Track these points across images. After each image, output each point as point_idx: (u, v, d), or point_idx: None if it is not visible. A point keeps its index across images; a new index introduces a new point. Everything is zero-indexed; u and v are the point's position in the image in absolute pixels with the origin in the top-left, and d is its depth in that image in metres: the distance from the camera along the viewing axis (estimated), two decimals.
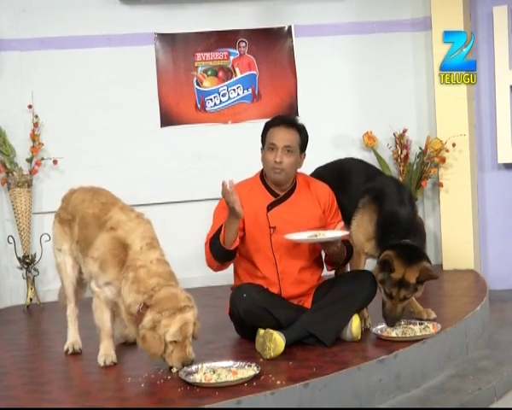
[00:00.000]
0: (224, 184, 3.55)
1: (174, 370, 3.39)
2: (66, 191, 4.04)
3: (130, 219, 3.62)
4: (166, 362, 3.40)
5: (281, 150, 3.82)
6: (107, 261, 3.53)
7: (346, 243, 3.95)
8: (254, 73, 5.94)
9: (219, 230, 3.71)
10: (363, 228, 4.00)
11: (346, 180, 4.18)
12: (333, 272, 4.25)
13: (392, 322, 3.80)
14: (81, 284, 3.97)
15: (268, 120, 4.01)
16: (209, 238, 3.80)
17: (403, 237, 3.83)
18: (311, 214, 3.90)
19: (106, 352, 3.61)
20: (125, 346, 3.98)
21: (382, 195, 3.96)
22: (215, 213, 3.90)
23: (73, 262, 3.89)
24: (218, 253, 3.73)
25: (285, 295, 3.87)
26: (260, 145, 3.95)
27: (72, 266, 3.90)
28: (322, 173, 4.24)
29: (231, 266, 4.00)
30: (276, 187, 3.92)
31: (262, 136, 3.94)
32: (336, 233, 3.76)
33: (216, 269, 3.86)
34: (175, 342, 3.34)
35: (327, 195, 3.99)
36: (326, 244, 3.79)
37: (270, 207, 3.89)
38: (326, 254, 3.98)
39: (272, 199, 3.91)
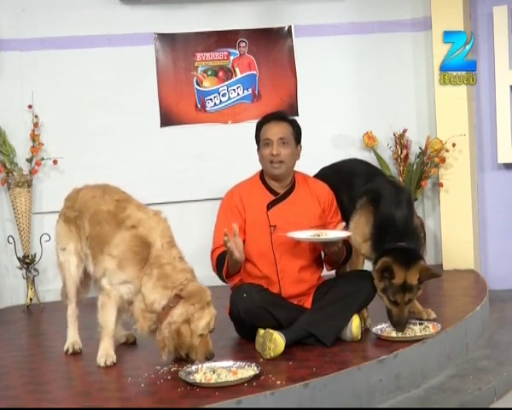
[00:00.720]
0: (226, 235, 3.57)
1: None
2: (70, 191, 4.03)
3: (149, 218, 3.64)
4: (191, 356, 3.43)
5: (276, 143, 3.85)
6: (127, 259, 3.52)
7: (346, 243, 3.96)
8: (254, 73, 5.94)
9: (223, 258, 3.75)
10: (360, 229, 3.99)
11: (348, 181, 4.18)
12: (333, 272, 4.24)
13: (402, 327, 3.79)
14: (84, 284, 3.96)
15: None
16: (215, 256, 3.85)
17: (399, 240, 3.82)
18: (310, 213, 3.91)
19: (106, 352, 3.60)
20: (125, 346, 3.98)
21: (380, 197, 3.96)
22: (219, 214, 3.94)
23: (78, 262, 3.88)
24: (223, 280, 3.85)
25: (285, 295, 3.87)
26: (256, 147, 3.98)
27: (77, 265, 3.89)
28: (326, 174, 4.25)
29: None
30: (276, 184, 3.93)
31: (256, 136, 3.97)
32: (339, 234, 3.76)
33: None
34: (201, 335, 3.38)
35: (326, 194, 3.99)
36: (327, 244, 3.79)
37: (270, 205, 3.90)
38: (325, 254, 3.98)
39: (272, 198, 3.91)
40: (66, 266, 3.90)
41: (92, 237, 3.72)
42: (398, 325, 3.79)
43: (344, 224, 3.85)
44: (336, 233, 3.77)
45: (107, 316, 3.61)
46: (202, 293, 3.45)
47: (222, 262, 3.77)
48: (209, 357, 3.40)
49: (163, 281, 3.44)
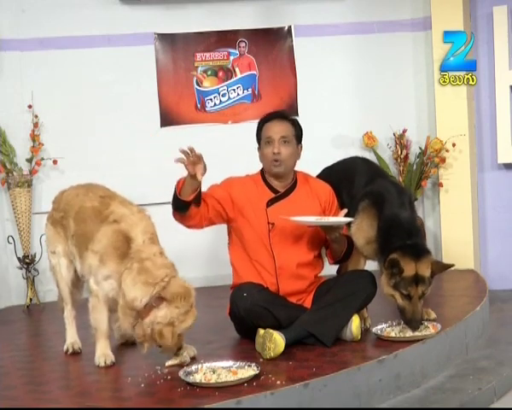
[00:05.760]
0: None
1: (169, 363, 3.46)
2: (57, 193, 4.03)
3: (132, 213, 3.63)
4: (162, 350, 3.46)
5: (278, 142, 3.86)
6: (108, 253, 3.51)
7: (347, 236, 3.96)
8: (254, 73, 5.94)
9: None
10: (363, 232, 3.98)
11: (349, 180, 4.18)
12: (333, 272, 4.24)
13: (417, 325, 3.74)
14: (77, 285, 3.95)
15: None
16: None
17: (405, 239, 3.81)
18: (310, 212, 3.89)
19: (104, 352, 3.60)
20: (125, 346, 3.98)
21: (382, 199, 3.95)
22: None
23: (68, 263, 3.88)
24: (174, 198, 3.76)
25: (283, 291, 3.87)
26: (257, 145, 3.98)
27: (67, 267, 3.88)
28: (328, 172, 4.25)
29: (230, 268, 4.01)
30: (277, 182, 3.94)
31: (257, 134, 3.98)
32: (340, 219, 3.76)
33: (176, 218, 3.83)
34: (180, 335, 3.40)
35: (327, 194, 4.00)
36: (328, 229, 3.78)
37: (270, 203, 3.90)
38: (327, 247, 3.99)
39: (272, 195, 3.92)
40: (57, 269, 3.90)
41: (78, 235, 3.72)
42: (413, 321, 3.73)
43: (346, 210, 3.82)
44: (338, 218, 3.78)
45: (99, 317, 3.60)
46: (186, 294, 3.41)
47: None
48: (180, 349, 3.45)
49: (143, 276, 3.40)
